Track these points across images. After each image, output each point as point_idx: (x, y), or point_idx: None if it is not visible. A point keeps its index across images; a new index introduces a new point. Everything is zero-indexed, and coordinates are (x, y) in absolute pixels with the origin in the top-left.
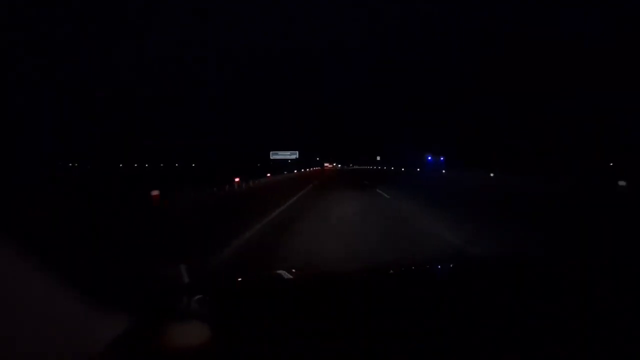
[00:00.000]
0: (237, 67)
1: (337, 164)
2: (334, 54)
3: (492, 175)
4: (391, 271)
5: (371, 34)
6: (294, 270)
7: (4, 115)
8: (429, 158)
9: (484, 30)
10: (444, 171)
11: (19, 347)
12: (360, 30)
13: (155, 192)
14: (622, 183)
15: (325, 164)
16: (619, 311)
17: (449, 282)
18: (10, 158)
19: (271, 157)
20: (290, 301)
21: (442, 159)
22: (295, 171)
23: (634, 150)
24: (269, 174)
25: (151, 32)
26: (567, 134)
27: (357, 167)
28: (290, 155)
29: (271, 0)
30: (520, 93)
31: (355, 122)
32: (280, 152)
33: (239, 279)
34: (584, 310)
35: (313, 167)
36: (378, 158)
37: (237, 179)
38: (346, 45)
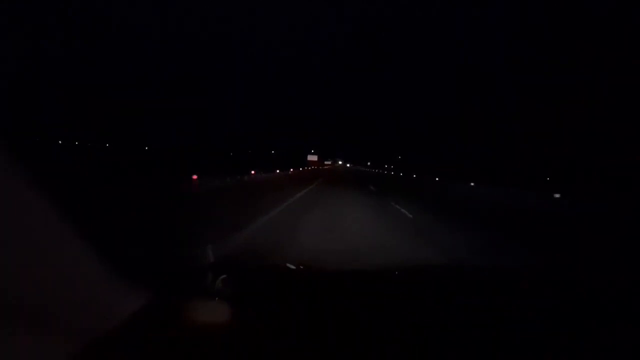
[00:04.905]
0: (236, 67)
1: (347, 163)
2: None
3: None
4: (394, 273)
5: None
6: (301, 267)
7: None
8: None
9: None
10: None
11: (40, 311)
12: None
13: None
14: None
15: (311, 159)
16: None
17: (448, 288)
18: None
19: None
20: (299, 296)
21: None
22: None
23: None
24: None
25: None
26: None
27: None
28: None
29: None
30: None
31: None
32: None
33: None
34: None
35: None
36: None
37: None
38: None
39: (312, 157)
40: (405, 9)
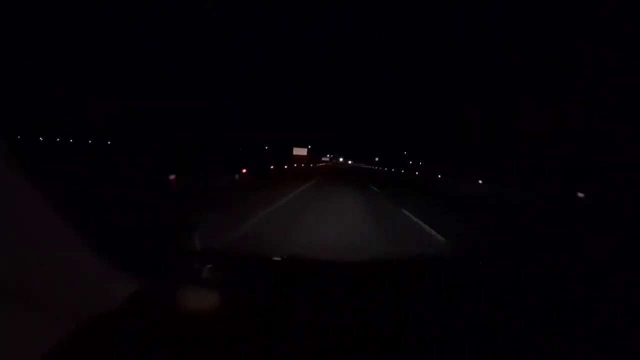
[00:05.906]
0: (236, 67)
1: (348, 160)
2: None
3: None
4: (390, 266)
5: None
6: (287, 257)
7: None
8: None
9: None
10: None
11: (38, 297)
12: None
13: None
14: None
15: (298, 153)
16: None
17: (443, 279)
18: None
19: None
20: (290, 283)
21: None
22: None
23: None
24: None
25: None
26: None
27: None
28: None
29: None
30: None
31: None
32: None
33: (247, 255)
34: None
35: None
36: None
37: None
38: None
39: (300, 151)
40: (405, 9)
